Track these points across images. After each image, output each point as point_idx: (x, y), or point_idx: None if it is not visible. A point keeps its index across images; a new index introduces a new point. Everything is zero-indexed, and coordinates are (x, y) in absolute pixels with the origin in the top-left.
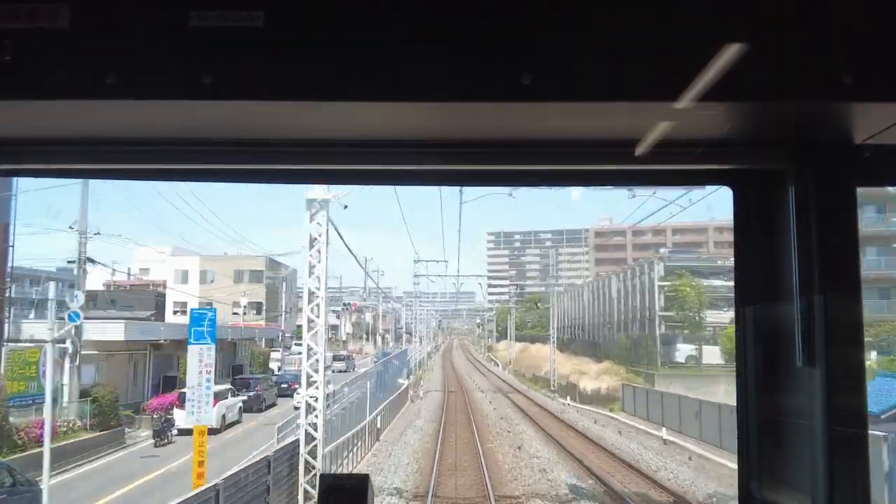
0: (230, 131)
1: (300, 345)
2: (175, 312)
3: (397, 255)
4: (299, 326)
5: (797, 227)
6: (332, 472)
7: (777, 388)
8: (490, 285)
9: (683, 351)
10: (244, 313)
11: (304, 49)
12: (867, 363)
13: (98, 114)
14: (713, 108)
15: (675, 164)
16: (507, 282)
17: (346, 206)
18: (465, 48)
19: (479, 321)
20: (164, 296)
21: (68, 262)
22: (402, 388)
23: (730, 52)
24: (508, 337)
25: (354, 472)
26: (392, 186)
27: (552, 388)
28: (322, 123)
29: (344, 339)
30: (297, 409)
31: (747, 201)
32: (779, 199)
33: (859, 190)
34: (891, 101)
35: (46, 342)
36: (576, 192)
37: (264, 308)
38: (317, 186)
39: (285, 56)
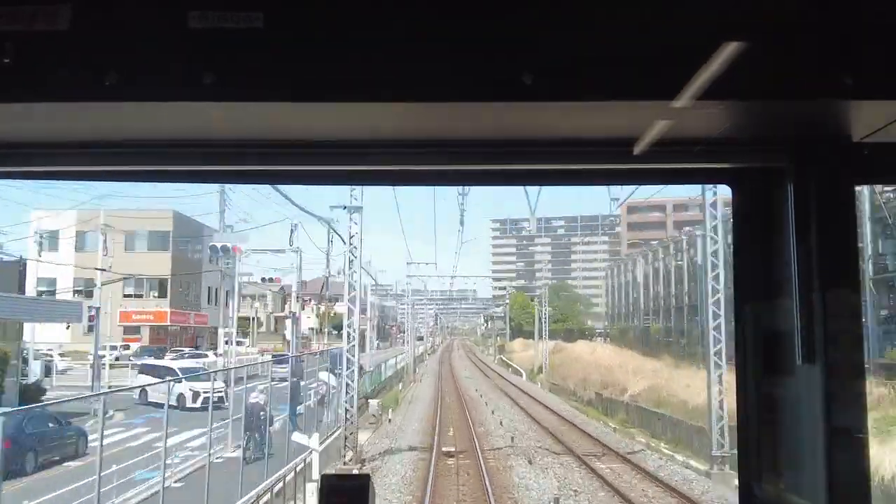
0: (230, 132)
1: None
2: (41, 293)
3: (397, 256)
4: (243, 319)
5: (796, 224)
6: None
7: (777, 385)
8: (495, 278)
9: None
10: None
11: (303, 49)
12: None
13: (99, 115)
14: (713, 106)
15: (676, 163)
16: (513, 273)
17: (344, 207)
18: (467, 48)
19: (485, 315)
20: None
21: None
22: (299, 464)
23: (729, 51)
24: (540, 335)
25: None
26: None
27: (715, 449)
28: (322, 124)
29: (305, 334)
30: None
31: (747, 199)
32: (778, 197)
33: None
34: (889, 99)
35: None
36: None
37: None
38: None
39: (285, 56)
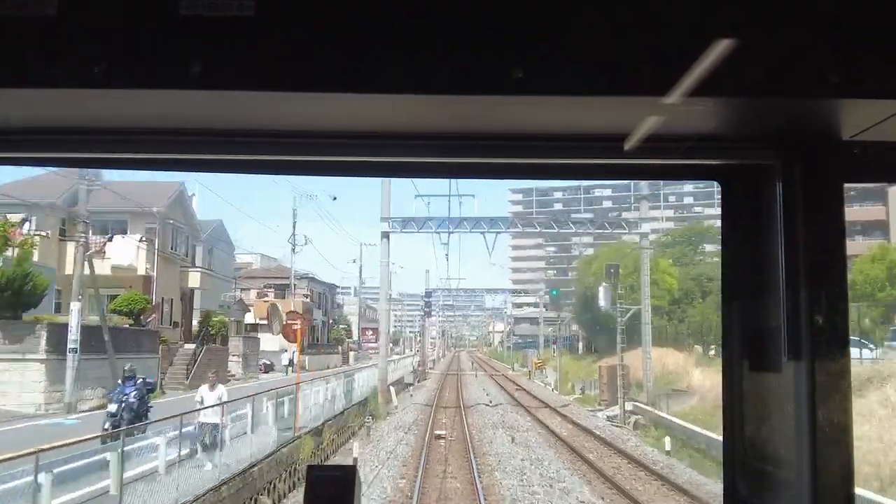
0: (219, 121)
1: None
2: None
3: (398, 257)
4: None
5: (784, 222)
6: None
7: (763, 383)
8: (515, 269)
9: None
10: None
11: (294, 39)
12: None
13: (86, 103)
14: (702, 103)
15: (664, 159)
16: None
17: (334, 198)
18: (458, 41)
19: (537, 297)
20: None
21: None
22: None
23: (719, 48)
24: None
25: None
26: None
27: None
28: (312, 114)
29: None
30: None
31: (735, 196)
32: (767, 195)
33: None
34: (878, 98)
35: None
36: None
37: None
38: None
39: (276, 46)
